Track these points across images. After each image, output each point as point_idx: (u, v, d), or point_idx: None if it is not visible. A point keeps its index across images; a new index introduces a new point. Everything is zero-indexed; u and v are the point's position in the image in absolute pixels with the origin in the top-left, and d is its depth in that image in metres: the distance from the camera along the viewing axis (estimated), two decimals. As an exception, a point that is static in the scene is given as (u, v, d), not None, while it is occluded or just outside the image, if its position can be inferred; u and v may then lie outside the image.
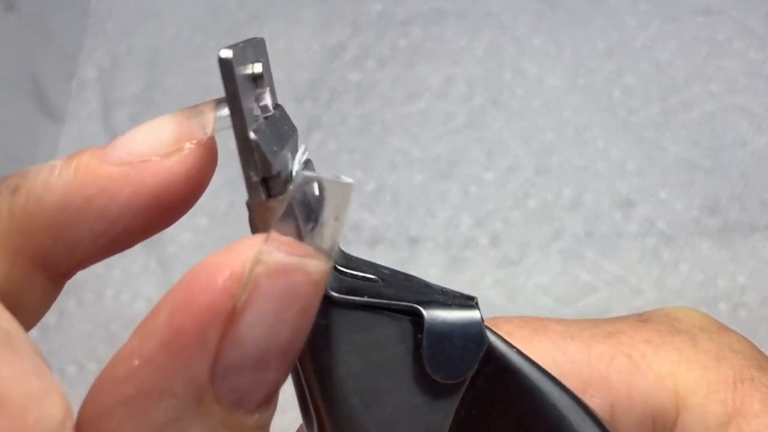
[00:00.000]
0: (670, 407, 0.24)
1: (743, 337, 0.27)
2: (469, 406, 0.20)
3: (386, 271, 0.21)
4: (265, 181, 0.18)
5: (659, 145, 0.54)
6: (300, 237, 0.17)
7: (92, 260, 0.19)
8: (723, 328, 0.27)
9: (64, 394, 0.16)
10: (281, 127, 0.20)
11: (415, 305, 0.20)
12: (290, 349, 0.17)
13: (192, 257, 0.50)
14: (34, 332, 0.52)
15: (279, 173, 0.18)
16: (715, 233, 0.51)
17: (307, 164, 0.20)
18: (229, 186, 0.52)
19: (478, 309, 0.20)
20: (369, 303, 0.19)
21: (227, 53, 0.18)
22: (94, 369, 0.48)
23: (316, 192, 0.18)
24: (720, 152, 0.53)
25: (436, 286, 0.21)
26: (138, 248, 0.47)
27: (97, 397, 0.17)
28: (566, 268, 0.50)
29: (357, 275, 0.20)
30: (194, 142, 0.19)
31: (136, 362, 0.17)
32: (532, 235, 0.51)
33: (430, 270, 0.50)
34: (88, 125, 0.57)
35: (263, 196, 0.18)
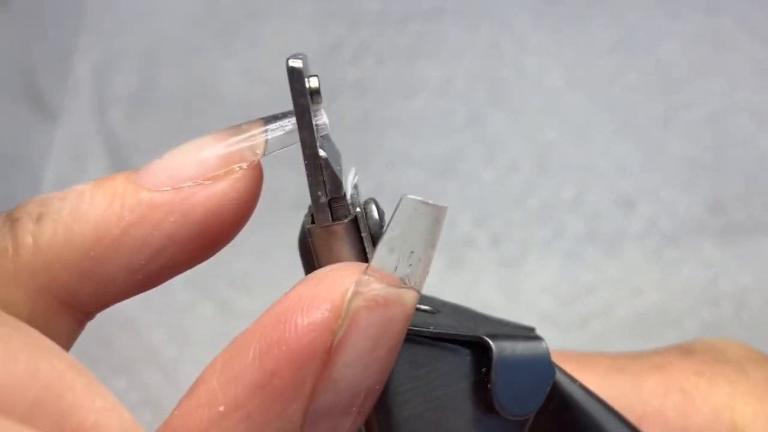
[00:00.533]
0: None
1: None
2: None
3: (440, 302, 0.20)
4: (330, 203, 0.18)
5: (661, 144, 0.54)
6: (394, 266, 0.16)
7: (124, 297, 0.18)
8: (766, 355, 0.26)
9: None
10: (333, 147, 0.19)
11: (483, 336, 0.18)
12: (377, 389, 0.16)
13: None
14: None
15: (344, 194, 0.18)
16: (717, 233, 0.50)
17: (357, 188, 0.19)
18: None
19: (543, 340, 0.19)
20: (436, 335, 0.18)
21: (297, 63, 0.17)
22: (88, 371, 0.47)
23: (408, 215, 0.16)
24: (723, 151, 0.53)
25: (493, 316, 0.20)
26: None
27: None
28: (566, 268, 0.50)
29: (417, 307, 0.19)
30: (245, 164, 0.17)
31: (222, 408, 0.15)
32: (532, 235, 0.51)
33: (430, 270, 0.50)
34: (83, 124, 0.57)
35: (330, 219, 0.18)
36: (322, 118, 0.18)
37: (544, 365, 0.19)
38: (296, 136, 0.18)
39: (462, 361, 0.18)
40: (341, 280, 0.16)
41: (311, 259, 0.18)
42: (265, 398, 0.15)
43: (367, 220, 0.18)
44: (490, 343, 0.18)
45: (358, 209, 0.18)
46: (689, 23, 0.58)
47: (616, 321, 0.48)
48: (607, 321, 0.48)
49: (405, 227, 0.16)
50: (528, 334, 0.19)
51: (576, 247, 0.51)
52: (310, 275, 0.16)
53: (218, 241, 0.18)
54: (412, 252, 0.16)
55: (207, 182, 0.17)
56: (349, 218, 0.18)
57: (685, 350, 0.27)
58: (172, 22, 0.60)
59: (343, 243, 0.18)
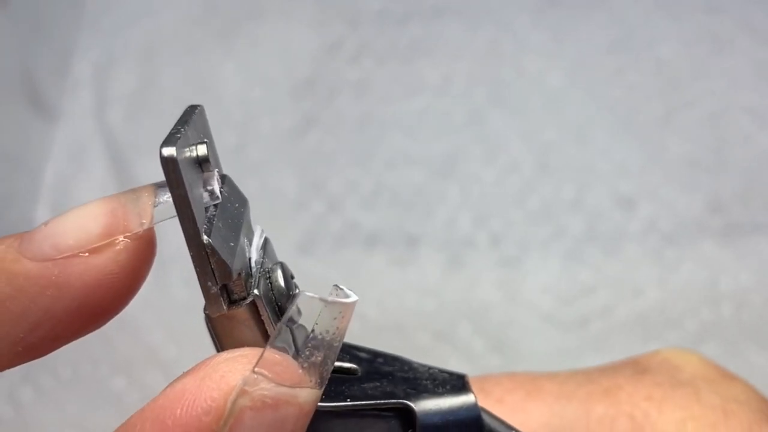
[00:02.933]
0: None
1: (747, 384, 0.26)
2: None
3: (365, 355, 0.19)
4: (225, 287, 0.16)
5: (661, 144, 0.53)
6: (294, 357, 0.15)
7: (6, 367, 0.17)
8: (726, 377, 0.26)
9: None
10: (232, 209, 0.17)
11: (404, 401, 0.18)
12: None
13: (188, 258, 0.50)
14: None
15: (239, 275, 0.16)
16: (717, 233, 0.50)
17: (266, 245, 0.18)
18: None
19: (471, 391, 0.18)
20: (353, 407, 0.17)
21: (170, 151, 0.15)
22: (88, 371, 0.47)
23: (312, 309, 0.15)
24: (723, 151, 0.53)
25: (422, 366, 0.19)
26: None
27: None
28: (566, 268, 0.50)
29: (335, 367, 0.18)
30: (129, 234, 0.16)
31: None
32: (532, 235, 0.51)
33: (429, 270, 0.50)
34: (82, 124, 0.57)
35: (224, 306, 0.16)
36: (212, 185, 0.17)
37: (472, 418, 0.18)
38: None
39: (386, 426, 0.18)
40: (229, 376, 0.15)
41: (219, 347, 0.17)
42: None
43: (272, 290, 0.17)
44: (412, 405, 0.18)
45: (255, 291, 0.16)
46: (689, 23, 0.58)
47: (616, 321, 0.48)
48: (607, 321, 0.48)
49: (304, 323, 0.15)
50: (456, 385, 0.19)
51: (576, 247, 0.50)
52: (198, 365, 0.15)
53: (100, 316, 0.17)
54: (313, 347, 0.15)
55: (86, 254, 0.16)
56: (246, 302, 0.16)
57: (640, 368, 0.26)
58: (171, 22, 0.60)
59: (243, 327, 0.17)
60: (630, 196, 0.52)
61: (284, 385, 0.15)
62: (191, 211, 0.15)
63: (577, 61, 0.57)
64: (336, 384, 0.18)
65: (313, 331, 0.15)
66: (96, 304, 0.16)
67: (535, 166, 0.53)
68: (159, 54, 0.59)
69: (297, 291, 0.16)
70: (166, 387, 0.15)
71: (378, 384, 0.18)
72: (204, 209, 0.16)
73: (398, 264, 0.50)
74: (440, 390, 0.18)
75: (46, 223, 0.16)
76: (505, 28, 0.58)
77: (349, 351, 0.19)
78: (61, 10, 0.59)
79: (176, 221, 0.16)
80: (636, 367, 0.26)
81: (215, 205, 0.17)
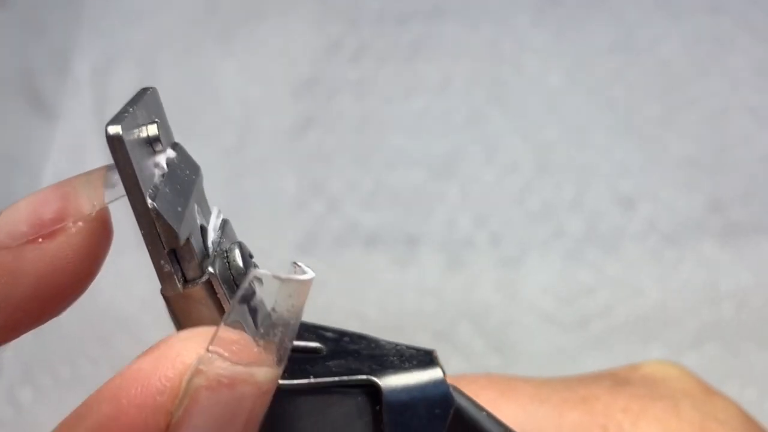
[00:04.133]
0: None
1: (730, 402, 0.25)
2: None
3: (330, 335, 0.19)
4: (178, 261, 0.16)
5: (661, 144, 0.53)
6: (250, 335, 0.15)
7: None
8: (709, 393, 0.25)
9: None
10: (182, 175, 0.17)
11: (369, 377, 0.17)
12: None
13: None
14: (28, 333, 0.51)
15: (189, 242, 0.16)
16: (718, 233, 0.50)
17: (225, 225, 0.18)
18: (224, 188, 0.52)
19: (440, 366, 0.18)
20: (317, 384, 0.17)
21: (115, 129, 0.15)
22: (87, 370, 0.47)
23: (268, 286, 0.15)
24: (723, 151, 0.53)
25: (389, 343, 0.19)
26: (132, 248, 0.47)
27: None
28: (566, 268, 0.50)
29: (299, 347, 0.18)
30: (81, 217, 0.16)
31: None
32: (532, 235, 0.51)
33: (429, 270, 0.50)
34: (82, 123, 0.57)
35: (179, 285, 0.16)
36: (161, 159, 0.17)
37: (440, 394, 0.18)
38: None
39: (354, 403, 0.17)
40: (183, 355, 0.14)
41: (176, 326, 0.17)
42: None
43: (230, 269, 0.17)
44: (377, 381, 0.17)
45: (210, 269, 0.16)
46: (690, 23, 0.58)
47: (616, 321, 0.48)
48: (607, 321, 0.48)
49: (260, 301, 0.15)
50: (423, 360, 0.18)
51: (576, 247, 0.50)
52: (154, 345, 0.15)
53: (58, 302, 0.17)
54: (270, 325, 0.15)
55: (40, 240, 0.16)
56: (201, 280, 0.16)
57: (620, 380, 0.25)
58: (171, 22, 0.60)
59: (201, 306, 0.16)
60: (630, 196, 0.52)
61: (240, 364, 0.14)
62: (139, 189, 0.15)
63: (577, 60, 0.57)
64: (300, 363, 0.18)
65: (271, 309, 0.15)
66: (53, 289, 0.16)
67: (535, 166, 0.53)
68: (158, 53, 0.59)
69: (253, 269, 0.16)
70: (124, 367, 0.15)
71: (343, 361, 0.18)
72: (152, 182, 0.16)
73: (398, 264, 0.50)
74: (407, 365, 0.18)
75: (2, 211, 0.16)
76: (505, 28, 0.58)
77: (314, 331, 0.19)
78: (60, 10, 0.59)
79: None
80: (616, 379, 0.25)
81: (163, 176, 0.17)
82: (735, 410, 0.24)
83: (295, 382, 0.17)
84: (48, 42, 0.57)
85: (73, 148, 0.56)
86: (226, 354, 0.14)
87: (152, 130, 0.17)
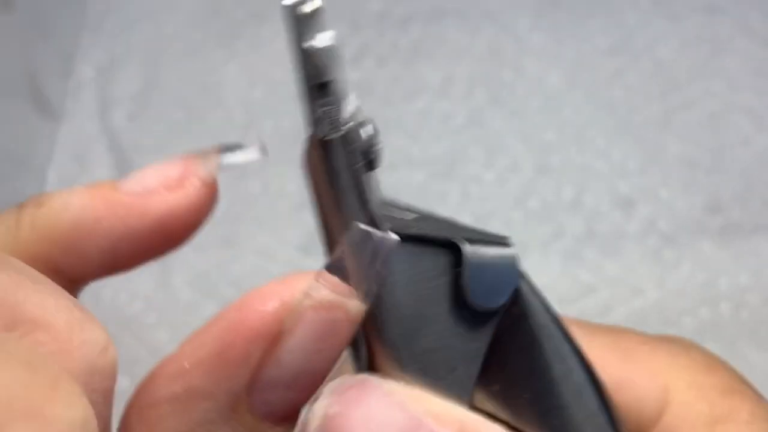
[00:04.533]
0: (657, 399, 0.26)
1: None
2: (493, 342, 0.22)
3: (425, 214, 0.23)
4: (325, 119, 0.19)
5: (660, 145, 0.54)
6: (346, 278, 0.19)
7: (100, 273, 0.22)
8: (713, 353, 0.28)
9: (102, 326, 0.18)
10: (333, 53, 0.21)
11: (456, 239, 0.21)
12: (319, 374, 0.19)
13: (190, 258, 0.50)
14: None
15: (336, 95, 0.19)
16: (716, 233, 0.50)
17: (357, 110, 0.21)
18: (226, 189, 0.52)
19: (513, 247, 0.21)
20: (415, 235, 0.20)
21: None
22: (91, 370, 0.47)
23: (356, 240, 0.19)
24: (721, 151, 0.53)
25: (474, 227, 0.22)
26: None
27: (147, 389, 0.20)
28: (566, 268, 0.50)
29: (398, 217, 0.22)
30: (198, 181, 0.21)
31: (186, 365, 0.20)
32: (532, 235, 0.51)
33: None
34: (85, 124, 0.57)
35: (327, 129, 0.19)
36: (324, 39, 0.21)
37: (510, 267, 0.21)
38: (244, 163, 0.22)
39: (440, 259, 0.21)
40: (297, 283, 0.19)
41: (311, 176, 0.20)
42: (219, 362, 0.19)
43: (359, 136, 0.20)
44: (463, 245, 0.21)
45: (349, 126, 0.20)
46: (688, 24, 0.58)
47: (616, 320, 0.48)
48: (606, 320, 0.48)
49: (353, 253, 0.19)
50: (501, 241, 0.21)
51: (576, 247, 0.51)
52: (280, 276, 0.20)
53: (172, 239, 0.21)
54: (361, 270, 0.19)
55: (164, 192, 0.21)
56: (342, 131, 0.19)
57: (640, 333, 0.29)
58: (174, 24, 0.61)
59: (336, 154, 0.20)
60: (629, 196, 0.52)
61: (338, 295, 0.19)
62: (298, 33, 0.20)
63: (576, 62, 0.57)
64: (398, 219, 0.21)
65: (362, 257, 0.19)
66: (168, 228, 0.21)
67: (535, 167, 0.53)
68: (162, 55, 0.59)
69: (379, 146, 0.20)
70: (248, 292, 0.19)
71: (433, 226, 0.22)
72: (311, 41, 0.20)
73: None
74: (487, 240, 0.21)
75: (139, 170, 0.21)
76: (505, 30, 0.59)
77: (411, 207, 0.23)
78: (64, 12, 0.59)
79: None
80: (637, 332, 0.29)
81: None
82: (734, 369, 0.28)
83: (399, 231, 0.20)
84: (52, 44, 0.58)
85: (77, 149, 0.56)
86: (329, 286, 0.19)
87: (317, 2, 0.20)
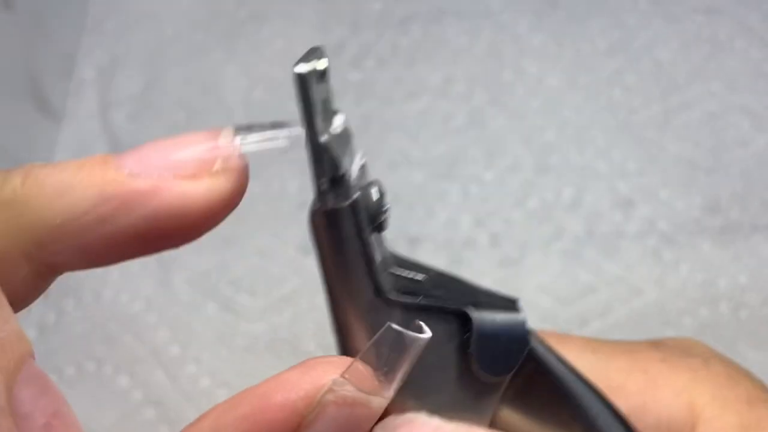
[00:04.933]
0: (685, 418, 0.26)
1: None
2: (507, 403, 0.22)
3: (434, 273, 0.23)
4: (331, 188, 0.19)
5: (660, 145, 0.54)
6: (375, 368, 0.19)
7: (83, 267, 0.19)
8: (730, 359, 0.29)
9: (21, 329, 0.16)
10: (343, 132, 0.21)
11: (464, 308, 0.21)
12: None
13: (191, 258, 0.50)
14: (32, 332, 0.51)
15: (344, 176, 0.19)
16: (716, 233, 0.51)
17: (364, 167, 0.21)
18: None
19: (522, 311, 0.22)
20: (423, 305, 0.21)
21: (303, 68, 0.20)
22: (92, 369, 0.48)
23: (387, 340, 0.19)
24: (721, 152, 0.53)
25: (482, 288, 0.23)
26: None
27: None
28: (566, 268, 0.50)
29: (408, 277, 0.22)
30: (227, 166, 0.19)
31: None
32: (532, 235, 0.51)
33: (429, 270, 0.50)
34: (86, 125, 0.57)
35: (332, 201, 0.19)
36: (329, 103, 0.20)
37: (520, 333, 0.21)
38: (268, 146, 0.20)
39: (449, 328, 0.21)
40: (322, 375, 0.19)
41: (317, 244, 0.20)
42: None
43: (368, 202, 0.20)
44: (470, 312, 0.21)
45: (355, 195, 0.19)
46: (687, 25, 0.58)
47: (616, 320, 0.48)
48: (606, 320, 0.48)
49: (384, 348, 0.19)
50: (509, 305, 0.22)
51: (575, 247, 0.51)
52: (301, 363, 0.19)
53: (177, 238, 0.19)
54: (386, 368, 0.19)
55: (176, 181, 0.18)
56: (349, 201, 0.20)
57: (655, 344, 0.29)
58: (175, 25, 0.61)
59: (344, 224, 0.20)
60: (629, 196, 0.52)
61: (363, 391, 0.19)
62: (314, 115, 0.19)
63: (576, 63, 0.57)
64: (409, 287, 0.21)
65: (387, 355, 0.19)
66: (174, 227, 0.18)
67: (535, 167, 0.53)
68: (162, 56, 0.60)
69: (387, 207, 0.20)
70: (269, 378, 0.19)
71: (443, 293, 0.22)
72: (322, 121, 0.20)
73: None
74: (495, 305, 0.21)
75: (151, 143, 0.19)
76: (505, 31, 0.59)
77: (421, 267, 0.23)
78: (65, 14, 0.59)
79: None
80: (652, 343, 0.29)
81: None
82: (751, 374, 0.28)
83: (407, 300, 0.21)
84: (53, 44, 0.58)
85: (78, 149, 0.56)
86: (355, 381, 0.19)
87: (322, 64, 0.20)
